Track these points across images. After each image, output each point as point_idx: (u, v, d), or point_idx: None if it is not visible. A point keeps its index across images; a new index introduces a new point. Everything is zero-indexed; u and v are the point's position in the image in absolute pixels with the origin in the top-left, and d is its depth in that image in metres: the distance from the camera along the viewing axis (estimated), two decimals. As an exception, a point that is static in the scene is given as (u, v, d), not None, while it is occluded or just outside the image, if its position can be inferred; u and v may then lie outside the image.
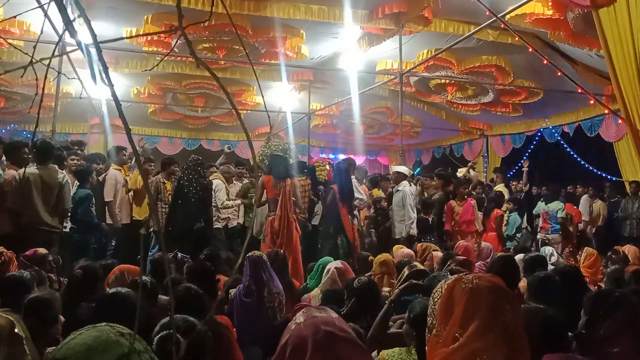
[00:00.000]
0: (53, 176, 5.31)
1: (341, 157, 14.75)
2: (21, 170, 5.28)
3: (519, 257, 5.01)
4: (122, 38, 2.70)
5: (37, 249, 4.03)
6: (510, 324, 1.43)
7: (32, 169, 5.24)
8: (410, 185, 7.34)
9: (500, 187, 9.64)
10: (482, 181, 10.96)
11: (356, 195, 7.26)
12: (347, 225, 6.63)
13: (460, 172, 10.29)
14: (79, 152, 7.17)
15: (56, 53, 1.25)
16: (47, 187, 5.25)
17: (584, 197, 9.89)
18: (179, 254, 4.90)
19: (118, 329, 1.13)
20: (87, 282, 3.49)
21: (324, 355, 1.49)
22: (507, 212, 8.70)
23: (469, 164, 9.87)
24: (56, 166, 5.45)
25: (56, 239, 5.39)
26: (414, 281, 3.26)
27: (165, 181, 6.83)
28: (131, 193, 7.08)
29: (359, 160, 16.63)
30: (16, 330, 1.92)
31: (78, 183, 6.17)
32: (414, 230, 6.89)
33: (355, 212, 7.34)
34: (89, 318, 2.49)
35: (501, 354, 1.37)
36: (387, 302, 3.13)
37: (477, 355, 1.36)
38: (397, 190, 7.13)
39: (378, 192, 8.38)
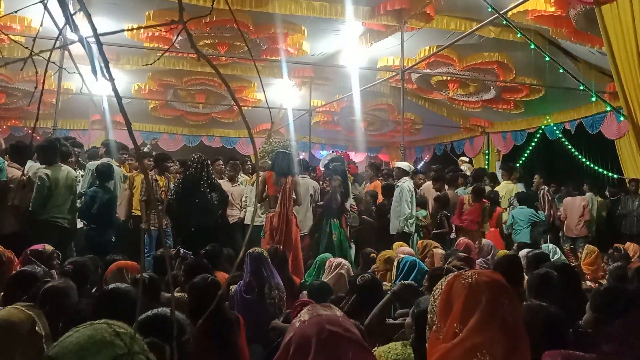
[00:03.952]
0: (70, 175, 5.50)
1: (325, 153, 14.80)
2: (30, 168, 5.47)
3: (522, 253, 5.01)
4: (122, 30, 2.71)
5: (45, 244, 4.05)
6: (510, 319, 1.42)
7: (48, 169, 5.36)
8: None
9: (505, 185, 9.29)
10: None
11: None
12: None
13: (463, 164, 10.25)
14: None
15: (56, 47, 1.25)
16: (65, 186, 5.41)
17: (588, 194, 9.82)
18: (182, 250, 4.91)
19: (115, 328, 1.12)
20: (77, 277, 3.52)
21: (327, 355, 1.48)
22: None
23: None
24: (63, 165, 5.58)
25: (72, 237, 5.58)
26: (407, 282, 3.31)
27: (158, 178, 6.82)
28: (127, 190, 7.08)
29: (360, 157, 16.67)
30: (36, 328, 1.89)
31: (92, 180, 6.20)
32: (407, 228, 6.88)
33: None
34: (89, 314, 2.49)
35: (501, 349, 1.36)
36: (389, 292, 3.15)
37: (477, 350, 1.36)
38: (397, 186, 7.15)
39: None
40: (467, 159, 11.27)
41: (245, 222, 7.40)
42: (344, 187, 6.83)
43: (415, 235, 7.17)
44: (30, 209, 5.19)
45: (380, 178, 8.88)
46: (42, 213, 5.22)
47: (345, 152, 14.28)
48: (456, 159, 12.72)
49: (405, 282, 3.28)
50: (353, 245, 7.03)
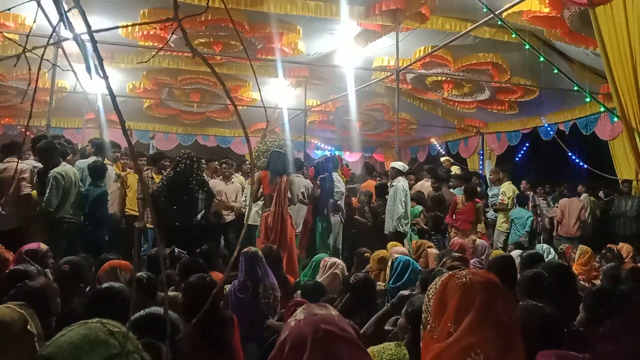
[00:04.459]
0: (76, 173, 5.66)
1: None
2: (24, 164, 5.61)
3: (515, 253, 5.02)
4: (117, 27, 2.71)
5: (40, 244, 4.04)
6: (504, 319, 1.43)
7: (60, 169, 5.43)
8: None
9: (508, 185, 9.02)
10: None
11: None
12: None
13: (455, 169, 10.29)
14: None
15: (50, 44, 1.24)
16: (74, 184, 5.55)
17: (584, 195, 9.85)
18: (176, 250, 4.88)
19: (109, 327, 1.11)
20: (73, 276, 3.51)
21: (323, 354, 1.48)
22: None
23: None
24: (67, 164, 5.66)
25: (80, 233, 5.74)
26: (407, 292, 3.29)
27: (154, 176, 6.81)
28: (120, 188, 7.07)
29: (355, 157, 16.68)
30: (28, 327, 1.88)
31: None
32: (401, 227, 6.92)
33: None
34: (82, 313, 2.48)
35: (495, 349, 1.37)
36: (388, 304, 3.14)
37: (471, 350, 1.36)
38: (392, 186, 7.19)
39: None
40: (451, 160, 11.28)
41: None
42: (328, 186, 6.94)
43: (411, 232, 7.22)
44: (38, 208, 5.26)
45: (378, 178, 8.89)
46: (58, 212, 5.34)
47: (339, 155, 14.29)
48: (453, 160, 12.76)
49: (405, 292, 3.26)
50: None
